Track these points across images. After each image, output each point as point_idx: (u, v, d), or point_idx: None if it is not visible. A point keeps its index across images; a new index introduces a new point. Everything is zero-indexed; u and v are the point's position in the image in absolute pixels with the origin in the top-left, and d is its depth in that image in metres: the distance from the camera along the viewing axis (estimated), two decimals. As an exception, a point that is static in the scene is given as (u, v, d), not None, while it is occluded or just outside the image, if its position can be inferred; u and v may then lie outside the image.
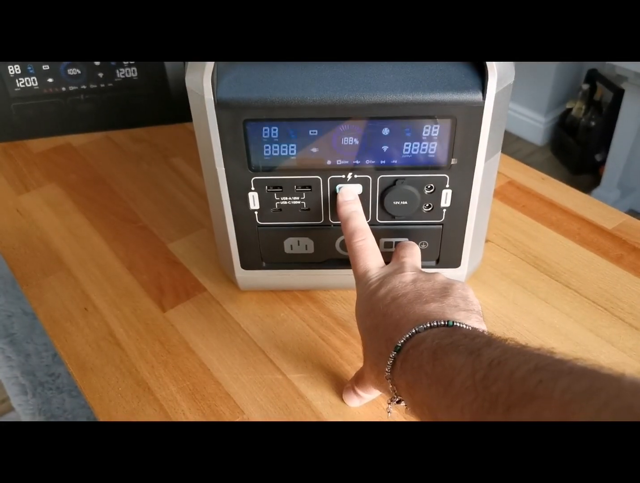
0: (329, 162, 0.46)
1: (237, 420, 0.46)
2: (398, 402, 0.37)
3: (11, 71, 0.72)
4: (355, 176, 0.47)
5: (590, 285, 0.56)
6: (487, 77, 0.42)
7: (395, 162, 0.46)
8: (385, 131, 0.44)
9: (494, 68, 0.42)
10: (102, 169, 0.74)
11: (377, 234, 0.50)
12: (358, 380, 0.45)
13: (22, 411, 0.68)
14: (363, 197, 0.48)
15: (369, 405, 0.47)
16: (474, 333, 0.33)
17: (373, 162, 0.46)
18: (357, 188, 0.47)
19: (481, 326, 0.36)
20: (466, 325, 0.34)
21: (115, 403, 0.48)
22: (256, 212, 0.49)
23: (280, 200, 0.48)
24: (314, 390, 0.48)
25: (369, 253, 0.43)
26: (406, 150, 0.45)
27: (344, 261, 0.52)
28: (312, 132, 0.44)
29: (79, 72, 0.73)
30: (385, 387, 0.37)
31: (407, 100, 0.42)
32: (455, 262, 0.53)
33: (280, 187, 0.47)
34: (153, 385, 0.49)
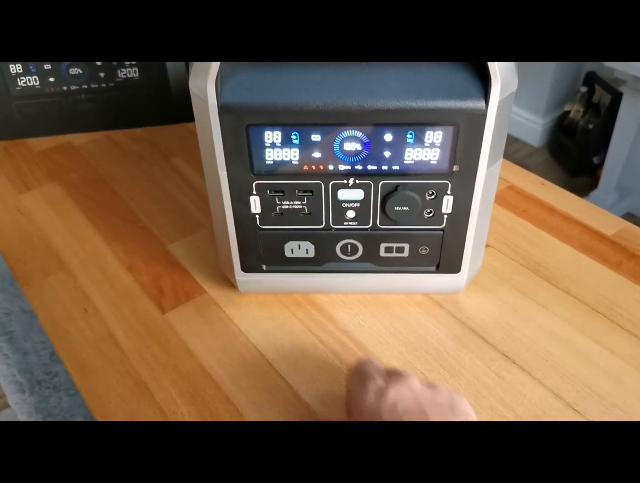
0: (331, 167, 0.46)
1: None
2: None
3: (13, 70, 0.72)
4: (357, 181, 0.47)
5: (590, 291, 0.56)
6: (490, 85, 0.42)
7: (397, 168, 0.46)
8: (388, 137, 0.44)
9: (497, 75, 0.42)
10: (102, 168, 0.74)
11: (378, 239, 0.51)
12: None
13: (19, 409, 0.68)
14: (364, 203, 0.48)
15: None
16: None
17: (375, 168, 0.46)
18: (359, 193, 0.48)
19: None
20: None
21: (115, 405, 0.48)
22: (257, 216, 0.49)
23: (281, 204, 0.48)
24: (313, 394, 0.48)
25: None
26: (408, 156, 0.45)
27: (344, 265, 0.53)
28: (314, 137, 0.44)
29: (81, 71, 0.73)
30: None
31: (409, 106, 0.42)
32: (455, 268, 0.53)
33: (282, 192, 0.48)
34: (152, 387, 0.49)
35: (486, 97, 0.42)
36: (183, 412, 0.47)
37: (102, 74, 0.74)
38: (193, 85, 0.44)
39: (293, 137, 0.44)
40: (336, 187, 0.47)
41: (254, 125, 0.44)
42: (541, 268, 0.59)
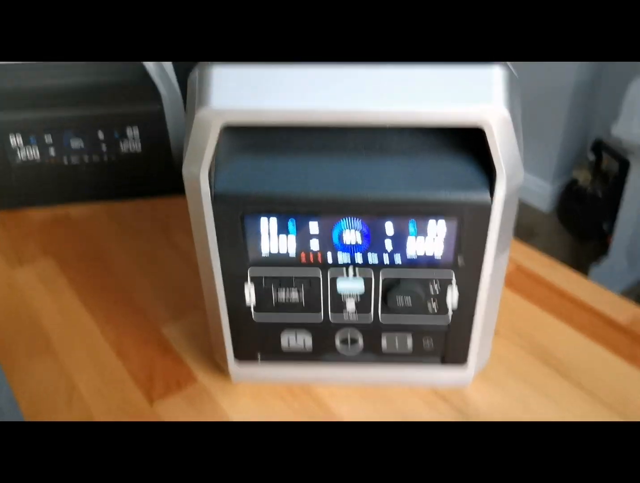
0: (329, 259, 0.44)
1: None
2: None
3: (13, 142, 0.71)
4: (357, 272, 0.45)
5: (602, 385, 0.53)
6: (496, 177, 0.40)
7: (399, 259, 0.44)
8: (389, 229, 0.42)
9: (502, 168, 0.40)
10: (99, 243, 0.72)
11: (380, 331, 0.48)
12: None
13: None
14: (365, 294, 0.46)
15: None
16: None
17: (376, 261, 0.44)
18: (359, 284, 0.45)
19: None
20: None
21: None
22: (252, 306, 0.47)
23: (277, 295, 0.46)
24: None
25: None
26: (410, 248, 0.43)
27: (343, 357, 0.50)
28: (312, 228, 0.42)
29: (82, 146, 0.72)
30: None
31: (411, 198, 0.41)
32: (461, 360, 0.50)
33: (278, 282, 0.45)
34: None
35: (491, 188, 0.40)
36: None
37: (104, 148, 0.73)
38: (186, 171, 0.42)
39: (290, 227, 0.42)
40: (335, 278, 0.45)
41: (249, 215, 0.42)
42: (551, 358, 0.56)
